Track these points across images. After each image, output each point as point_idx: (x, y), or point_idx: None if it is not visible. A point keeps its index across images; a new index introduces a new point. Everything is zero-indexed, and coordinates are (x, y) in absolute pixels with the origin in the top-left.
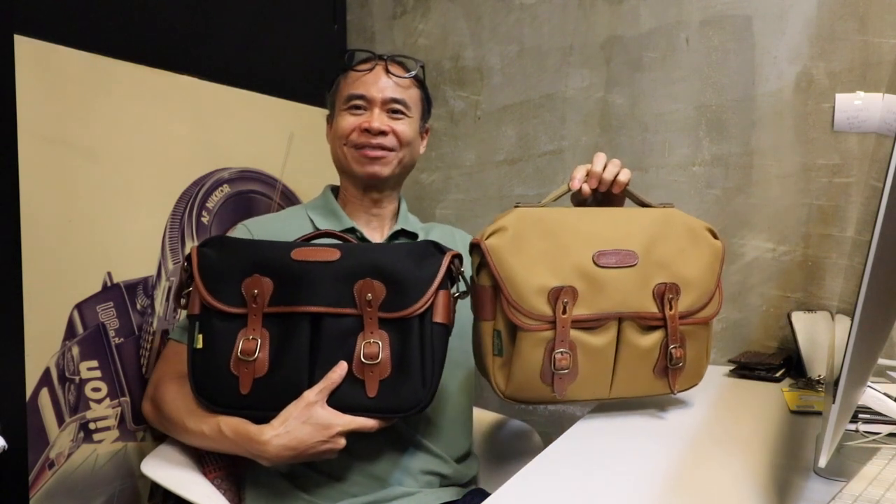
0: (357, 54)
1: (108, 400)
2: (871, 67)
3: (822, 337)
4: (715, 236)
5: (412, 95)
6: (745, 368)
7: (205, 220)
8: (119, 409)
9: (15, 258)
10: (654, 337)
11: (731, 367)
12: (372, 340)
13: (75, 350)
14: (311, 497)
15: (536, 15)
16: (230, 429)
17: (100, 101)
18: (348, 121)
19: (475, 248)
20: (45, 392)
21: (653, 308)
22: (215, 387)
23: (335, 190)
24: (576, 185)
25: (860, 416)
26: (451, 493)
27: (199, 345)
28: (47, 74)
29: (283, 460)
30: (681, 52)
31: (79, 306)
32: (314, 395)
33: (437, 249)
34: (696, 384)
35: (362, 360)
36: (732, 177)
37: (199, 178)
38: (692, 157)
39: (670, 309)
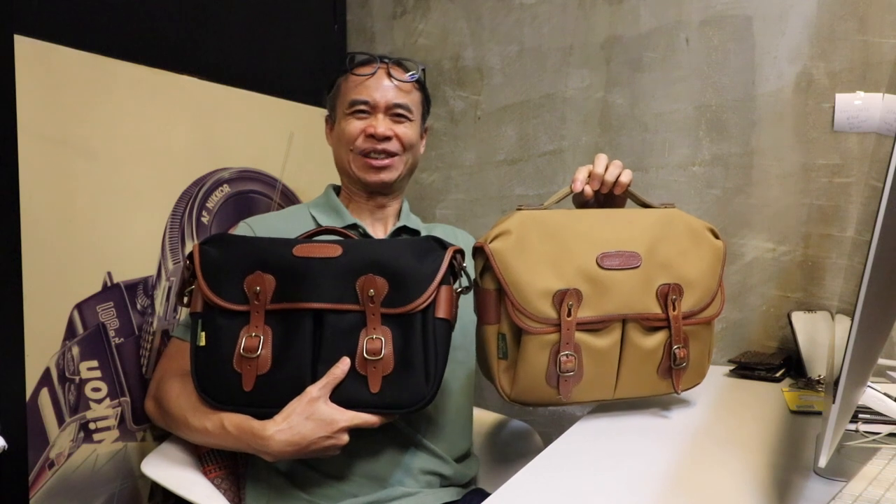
0: (357, 56)
1: (108, 400)
2: (871, 67)
3: (822, 337)
4: (716, 236)
5: (414, 99)
6: (746, 368)
7: (205, 219)
8: (119, 409)
9: (15, 258)
10: (658, 338)
11: (732, 367)
12: (374, 336)
13: (75, 350)
14: (312, 497)
15: (536, 15)
16: (233, 425)
17: (100, 101)
18: (353, 125)
19: (479, 251)
20: (45, 392)
21: (656, 309)
22: (218, 384)
23: (337, 189)
24: (578, 186)
25: (860, 416)
26: (452, 494)
27: (202, 342)
28: (47, 74)
29: (286, 456)
30: (681, 52)
31: (79, 306)
32: (317, 391)
33: (439, 245)
34: (699, 383)
35: (365, 356)
36: (732, 177)
37: (199, 178)
38: (692, 157)
39: (674, 309)
